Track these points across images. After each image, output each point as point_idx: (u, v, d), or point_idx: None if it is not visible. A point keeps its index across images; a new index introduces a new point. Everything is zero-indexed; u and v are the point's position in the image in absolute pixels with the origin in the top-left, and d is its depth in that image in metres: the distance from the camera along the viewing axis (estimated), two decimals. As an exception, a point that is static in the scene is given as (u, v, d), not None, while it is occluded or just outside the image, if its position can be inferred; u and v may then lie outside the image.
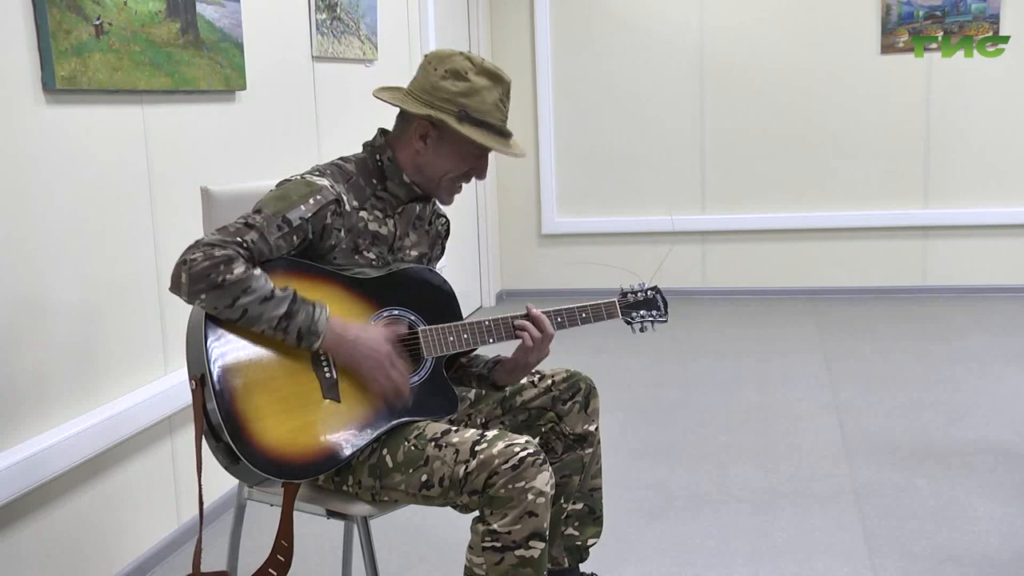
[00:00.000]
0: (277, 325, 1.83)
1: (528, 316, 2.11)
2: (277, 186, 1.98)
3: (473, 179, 2.10)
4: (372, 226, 2.05)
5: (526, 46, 6.29)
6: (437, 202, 2.22)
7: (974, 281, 5.99)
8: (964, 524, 2.90)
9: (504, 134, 2.03)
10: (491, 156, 2.09)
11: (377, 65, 4.35)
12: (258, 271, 1.84)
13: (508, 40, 6.31)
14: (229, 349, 1.84)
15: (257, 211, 1.90)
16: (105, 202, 2.63)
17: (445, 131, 2.01)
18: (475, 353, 2.23)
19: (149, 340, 2.81)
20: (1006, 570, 2.62)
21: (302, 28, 3.73)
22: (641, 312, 2.26)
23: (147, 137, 2.79)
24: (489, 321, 2.08)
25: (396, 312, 2.03)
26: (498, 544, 1.82)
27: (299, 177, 1.99)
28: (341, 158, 2.09)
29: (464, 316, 2.09)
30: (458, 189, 2.10)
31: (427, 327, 2.04)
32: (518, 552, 1.82)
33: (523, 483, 1.81)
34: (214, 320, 1.84)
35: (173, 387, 2.80)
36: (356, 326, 1.92)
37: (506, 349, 2.18)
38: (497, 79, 2.01)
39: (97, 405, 2.58)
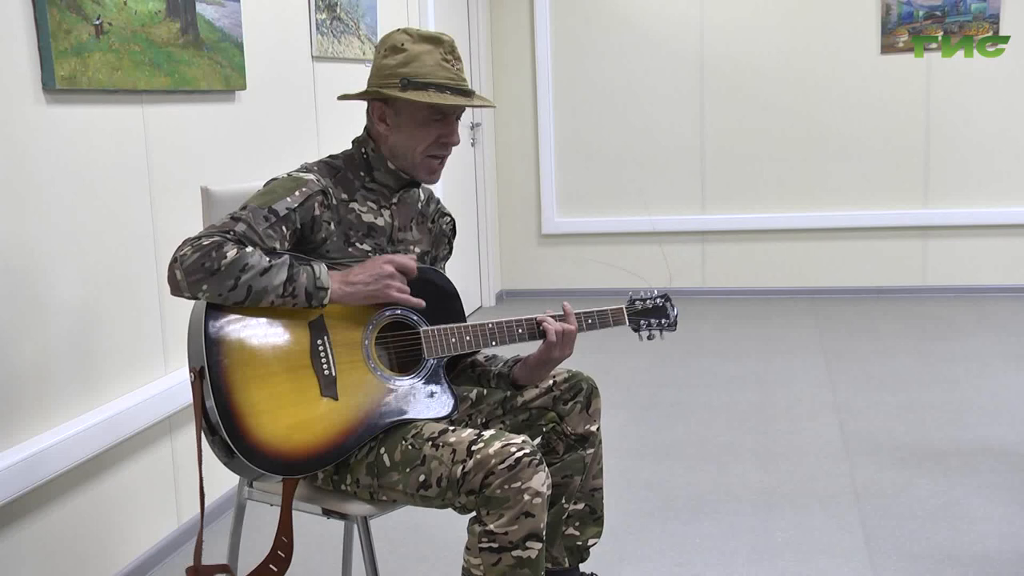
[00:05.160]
0: (284, 291, 1.85)
1: (564, 312, 2.13)
2: (264, 184, 2.00)
3: (452, 150, 2.09)
4: (366, 217, 2.05)
5: (526, 46, 6.29)
6: (435, 202, 2.23)
7: (974, 281, 5.99)
8: (964, 524, 2.90)
9: (461, 92, 2.02)
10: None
11: (377, 65, 4.35)
12: (250, 248, 1.85)
13: (508, 40, 6.31)
14: (229, 344, 1.84)
15: (243, 207, 1.91)
16: (105, 202, 2.63)
17: (397, 104, 2.02)
18: (494, 353, 2.23)
19: (149, 340, 2.81)
20: (1006, 570, 2.62)
21: (302, 28, 3.73)
22: (650, 320, 2.25)
23: (147, 137, 2.79)
24: (492, 324, 2.08)
25: (399, 311, 2.03)
26: (495, 545, 1.82)
27: (285, 175, 2.01)
28: (330, 155, 2.11)
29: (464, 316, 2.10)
30: (437, 164, 2.08)
31: (430, 327, 2.04)
32: (515, 553, 1.82)
33: (519, 483, 1.81)
34: (215, 314, 1.84)
35: (173, 387, 2.80)
36: (354, 268, 1.95)
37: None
38: (436, 41, 2.03)
39: (97, 405, 2.58)
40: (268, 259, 1.85)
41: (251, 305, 1.85)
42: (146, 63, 2.71)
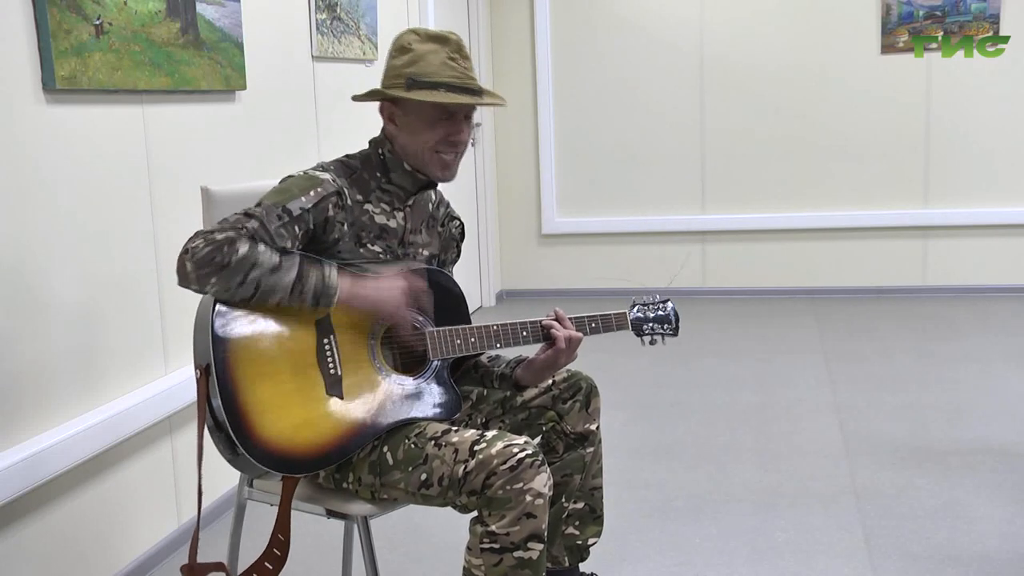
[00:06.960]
0: (292, 291, 1.84)
1: (557, 318, 2.12)
2: (280, 182, 1.99)
3: (467, 152, 2.09)
4: (380, 219, 2.05)
5: (526, 46, 6.29)
6: (445, 205, 2.23)
7: (974, 281, 5.99)
8: (964, 524, 2.90)
9: (468, 91, 2.01)
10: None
11: (377, 65, 4.35)
12: (262, 246, 1.84)
13: (508, 40, 6.31)
14: (235, 341, 1.84)
15: (258, 204, 1.91)
16: (105, 202, 2.63)
17: (403, 104, 2.02)
18: (496, 353, 2.23)
19: (149, 340, 2.81)
20: (1006, 570, 2.62)
21: (302, 28, 3.73)
22: (652, 325, 2.25)
23: (147, 137, 2.79)
24: (496, 326, 2.08)
25: None
26: (496, 545, 1.82)
27: (302, 172, 2.00)
28: (346, 155, 2.10)
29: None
30: (448, 161, 2.06)
31: (435, 329, 2.04)
32: (516, 553, 1.82)
33: (521, 484, 1.81)
34: (222, 311, 1.84)
35: (173, 387, 2.80)
36: (368, 280, 1.95)
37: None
38: (442, 40, 2.02)
39: (97, 405, 2.58)
40: (279, 257, 1.85)
41: (259, 302, 1.85)
42: (146, 63, 2.71)
